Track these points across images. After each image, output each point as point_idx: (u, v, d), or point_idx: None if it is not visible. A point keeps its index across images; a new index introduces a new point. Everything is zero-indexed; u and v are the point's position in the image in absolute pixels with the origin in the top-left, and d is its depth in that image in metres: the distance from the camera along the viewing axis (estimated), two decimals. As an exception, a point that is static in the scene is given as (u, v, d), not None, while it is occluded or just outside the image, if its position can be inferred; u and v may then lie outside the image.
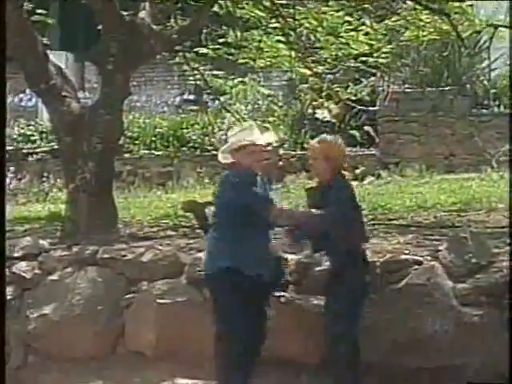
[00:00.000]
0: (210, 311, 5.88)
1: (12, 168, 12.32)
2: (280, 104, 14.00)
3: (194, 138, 13.78)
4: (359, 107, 11.01)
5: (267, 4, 8.54)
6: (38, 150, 13.58)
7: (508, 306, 6.10)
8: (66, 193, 8.26)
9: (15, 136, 13.99)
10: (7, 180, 12.00)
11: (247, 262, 5.67)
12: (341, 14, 8.60)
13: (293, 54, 8.92)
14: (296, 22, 8.50)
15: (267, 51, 9.09)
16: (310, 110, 12.98)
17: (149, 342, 6.72)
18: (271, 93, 13.89)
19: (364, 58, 9.09)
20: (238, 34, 9.12)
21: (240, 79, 13.34)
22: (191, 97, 15.29)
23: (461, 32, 8.59)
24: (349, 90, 10.03)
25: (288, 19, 8.49)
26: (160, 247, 7.01)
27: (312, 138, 13.17)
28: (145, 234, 7.85)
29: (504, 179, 10.28)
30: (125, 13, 7.87)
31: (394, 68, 11.47)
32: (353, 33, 8.64)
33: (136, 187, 12.62)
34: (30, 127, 14.19)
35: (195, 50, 9.27)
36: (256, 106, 13.96)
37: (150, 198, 11.19)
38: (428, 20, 8.62)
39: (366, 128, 13.16)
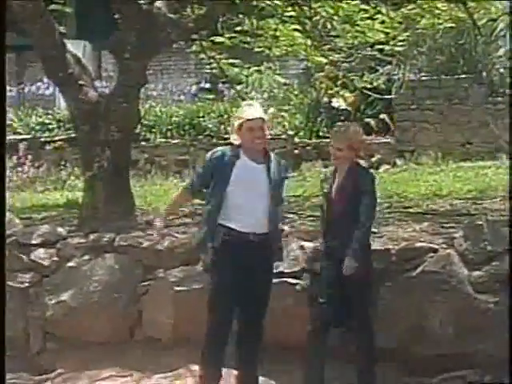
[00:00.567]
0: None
1: (30, 156, 12.36)
2: (296, 92, 13.96)
3: (210, 126, 13.78)
4: (375, 95, 10.96)
5: (283, -8, 8.51)
6: (55, 139, 13.61)
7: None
8: (84, 181, 8.28)
9: (33, 125, 14.03)
10: (25, 167, 12.06)
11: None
12: (357, 2, 8.56)
13: (309, 42, 8.89)
14: (312, 11, 8.47)
15: (283, 40, 9.07)
16: (325, 99, 12.93)
17: (165, 329, 6.75)
18: (287, 81, 13.86)
19: (380, 47, 9.05)
20: (254, 22, 9.09)
21: (256, 68, 13.30)
22: (207, 85, 15.28)
23: (477, 20, 8.55)
24: (364, 79, 9.99)
25: (304, 7, 8.47)
26: (176, 235, 7.03)
27: (327, 126, 13.26)
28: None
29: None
30: (141, 1, 7.86)
31: (410, 56, 11.44)
32: (369, 21, 8.60)
33: (153, 175, 12.64)
34: (48, 116, 14.22)
35: (211, 38, 9.25)
36: (272, 94, 13.94)
37: (166, 186, 11.21)
38: (444, 8, 8.57)
39: (381, 116, 13.12)
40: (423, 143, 12.70)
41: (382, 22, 8.63)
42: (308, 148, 13.08)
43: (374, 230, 7.18)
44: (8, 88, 15.28)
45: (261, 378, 5.99)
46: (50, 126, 13.99)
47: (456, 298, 6.26)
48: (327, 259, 6.00)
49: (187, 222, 7.75)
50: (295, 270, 6.55)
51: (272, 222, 5.78)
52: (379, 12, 8.68)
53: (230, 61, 10.03)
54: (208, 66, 10.40)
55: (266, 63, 13.30)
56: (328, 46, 8.82)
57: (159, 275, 6.83)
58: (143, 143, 13.35)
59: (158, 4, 7.93)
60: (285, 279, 6.48)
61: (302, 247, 6.69)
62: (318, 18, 8.61)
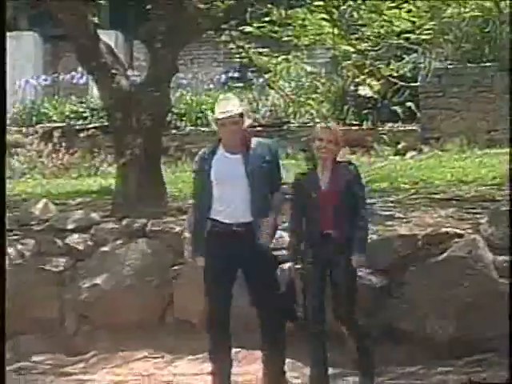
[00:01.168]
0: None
1: (64, 144, 12.42)
2: (323, 81, 13.89)
3: (239, 114, 13.76)
4: (401, 83, 10.89)
5: (311, -18, 8.48)
6: (89, 127, 13.66)
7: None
8: (116, 167, 8.31)
9: (67, 113, 14.08)
10: (60, 155, 12.12)
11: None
12: (384, -9, 8.51)
13: (336, 31, 8.83)
14: (339, 0, 8.43)
15: (311, 29, 9.03)
16: (352, 87, 12.88)
17: (196, 312, 6.76)
18: (314, 70, 13.79)
19: (406, 35, 8.97)
20: (283, 12, 9.06)
21: (284, 57, 13.24)
22: (236, 74, 15.25)
23: (502, 8, 8.45)
24: (391, 67, 9.90)
25: (332, -3, 8.43)
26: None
27: (354, 114, 13.21)
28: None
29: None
30: (173, -8, 7.86)
31: (436, 44, 11.33)
32: (395, 10, 8.53)
33: (183, 162, 12.66)
34: (82, 104, 14.26)
35: (240, 28, 9.24)
36: (299, 82, 13.89)
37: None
38: (470, -4, 8.50)
39: (407, 104, 13.04)
40: (449, 130, 12.61)
41: (409, 11, 8.56)
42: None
43: (399, 215, 7.17)
44: (43, 77, 15.42)
45: (288, 360, 5.98)
46: (84, 114, 14.04)
47: (481, 283, 6.22)
48: (316, 251, 5.67)
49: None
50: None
51: (257, 210, 5.63)
52: (406, 1, 8.61)
53: (259, 50, 10.00)
54: (237, 55, 10.38)
55: (294, 52, 13.24)
56: (355, 35, 8.78)
57: (190, 260, 6.84)
58: (174, 131, 13.37)
59: (188, -6, 7.93)
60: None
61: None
62: (345, 7, 8.56)
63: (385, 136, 12.63)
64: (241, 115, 5.68)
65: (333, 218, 5.60)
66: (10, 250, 7.44)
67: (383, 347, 6.39)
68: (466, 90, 12.68)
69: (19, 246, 7.45)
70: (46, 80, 15.39)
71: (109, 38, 11.06)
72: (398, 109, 12.98)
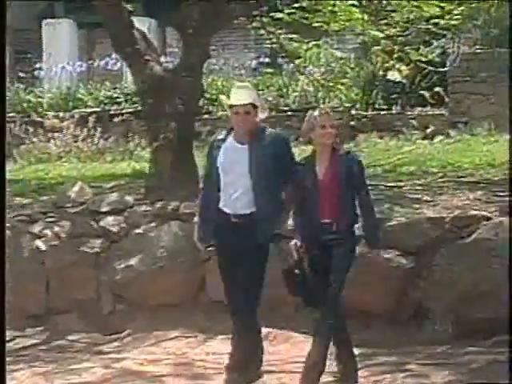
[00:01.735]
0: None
1: (99, 128, 12.46)
2: (352, 66, 13.83)
3: (269, 99, 13.71)
4: (430, 68, 10.81)
5: (341, -32, 8.42)
6: (123, 112, 13.69)
7: None
8: (150, 151, 8.33)
9: (102, 98, 14.12)
10: (95, 139, 12.16)
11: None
12: (413, -24, 8.44)
13: (365, 17, 8.78)
14: (369, -14, 8.38)
15: (341, 15, 8.97)
16: (381, 72, 12.79)
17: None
18: (344, 55, 13.73)
19: (435, 20, 8.90)
20: (313, -2, 9.03)
21: (314, 42, 13.17)
22: (267, 60, 15.21)
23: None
24: (420, 52, 9.83)
25: (361, -17, 8.37)
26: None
27: (383, 98, 13.13)
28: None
29: None
30: (205, -21, 7.84)
31: (465, 29, 11.24)
32: (424, -5, 8.47)
33: (215, 146, 12.65)
34: (116, 90, 14.29)
35: (271, 14, 9.21)
36: (329, 68, 13.83)
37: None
38: (499, -19, 8.41)
39: (436, 89, 12.95)
40: (477, 114, 12.50)
41: (438, -3, 8.49)
42: (364, 120, 12.96)
43: (427, 198, 7.11)
44: (78, 63, 15.46)
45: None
46: (118, 100, 14.07)
47: (507, 265, 6.17)
48: (317, 239, 5.44)
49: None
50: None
51: (260, 202, 5.41)
52: (435, -14, 8.54)
53: (289, 36, 9.97)
54: (268, 41, 10.36)
55: (324, 38, 13.18)
56: (384, 21, 8.72)
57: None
58: (206, 116, 13.37)
59: (220, -19, 7.91)
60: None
61: (358, 215, 6.65)
62: (374, -7, 8.51)
63: (413, 120, 12.55)
64: (254, 106, 5.50)
65: (332, 207, 5.36)
66: (46, 232, 7.50)
67: (412, 327, 6.38)
68: (494, 75, 12.55)
69: (56, 228, 7.50)
70: (81, 66, 15.44)
71: (142, 24, 11.08)
72: (427, 93, 12.90)
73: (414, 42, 9.89)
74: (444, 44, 12.43)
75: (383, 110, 12.97)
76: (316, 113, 5.56)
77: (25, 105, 14.14)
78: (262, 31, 9.74)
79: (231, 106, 5.57)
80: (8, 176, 10.27)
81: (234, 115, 5.55)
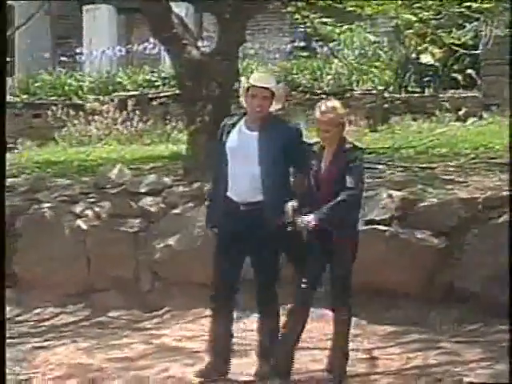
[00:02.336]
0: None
1: (138, 111, 12.51)
2: (385, 49, 13.74)
3: (303, 82, 13.67)
4: (462, 51, 10.71)
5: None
6: (161, 95, 13.73)
7: None
8: (187, 134, 8.35)
9: (140, 82, 14.17)
10: (134, 122, 12.21)
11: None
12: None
13: (399, 1, 8.71)
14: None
15: (374, -1, 8.93)
16: (414, 55, 12.70)
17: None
18: (377, 39, 13.64)
19: (468, 4, 8.81)
20: (347, -18, 8.97)
21: (348, 26, 13.12)
22: (301, 44, 15.15)
23: None
24: (452, 35, 9.75)
25: (395, -33, 8.29)
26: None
27: (416, 81, 13.03)
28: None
29: None
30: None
31: (497, 12, 11.08)
32: (457, -21, 8.38)
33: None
34: (154, 73, 14.33)
35: (306, -1, 9.18)
36: (362, 51, 13.75)
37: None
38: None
39: (468, 71, 12.82)
40: (509, 97, 12.35)
41: (471, -20, 8.40)
42: (397, 102, 12.88)
43: (459, 179, 7.05)
44: (118, 48, 15.52)
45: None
46: (156, 83, 14.11)
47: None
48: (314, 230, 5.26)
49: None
50: (384, 218, 6.50)
51: (270, 191, 5.24)
52: (467, -30, 8.44)
53: (323, 20, 9.93)
54: (302, 26, 10.33)
55: (358, 22, 13.09)
56: (417, 4, 8.64)
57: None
58: (241, 99, 13.36)
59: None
60: (375, 226, 6.44)
61: (390, 196, 6.63)
62: (407, -23, 8.43)
63: (446, 103, 12.45)
64: (273, 94, 5.32)
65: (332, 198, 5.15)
66: (87, 212, 7.56)
67: (444, 306, 6.35)
68: (526, 57, 12.39)
69: (96, 209, 7.55)
70: (120, 51, 15.50)
71: (180, 9, 11.09)
72: (459, 76, 12.78)
73: (447, 25, 9.80)
74: (476, 27, 12.28)
75: (416, 92, 12.88)
76: (317, 110, 5.27)
77: (66, 88, 14.23)
78: (297, 15, 9.71)
79: (248, 89, 5.36)
80: (50, 158, 10.39)
81: (251, 98, 5.34)
